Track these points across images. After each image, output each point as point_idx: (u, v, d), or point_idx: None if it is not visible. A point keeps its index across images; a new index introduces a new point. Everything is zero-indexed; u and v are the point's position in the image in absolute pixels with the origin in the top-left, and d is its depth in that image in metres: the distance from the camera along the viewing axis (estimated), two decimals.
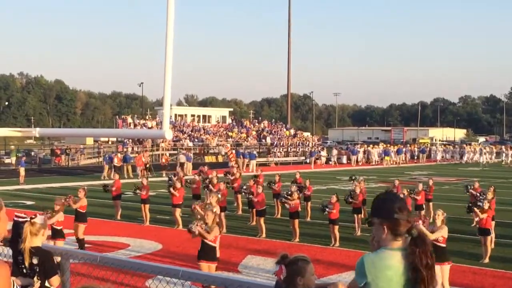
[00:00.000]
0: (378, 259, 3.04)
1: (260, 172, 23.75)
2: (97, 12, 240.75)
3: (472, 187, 18.14)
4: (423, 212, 17.17)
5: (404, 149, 53.79)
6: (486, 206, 13.14)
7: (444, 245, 9.95)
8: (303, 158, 47.10)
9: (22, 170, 32.52)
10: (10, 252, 5.03)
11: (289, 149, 58.24)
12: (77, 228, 14.07)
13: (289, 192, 16.29)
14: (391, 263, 3.01)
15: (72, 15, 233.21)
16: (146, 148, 41.29)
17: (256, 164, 42.90)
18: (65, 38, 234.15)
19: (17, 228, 4.77)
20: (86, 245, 13.88)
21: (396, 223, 3.05)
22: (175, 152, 46.23)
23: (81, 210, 14.25)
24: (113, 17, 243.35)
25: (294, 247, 14.16)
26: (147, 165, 37.71)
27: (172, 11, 4.27)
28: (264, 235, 15.97)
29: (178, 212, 17.61)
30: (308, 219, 18.73)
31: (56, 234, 12.12)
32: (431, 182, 19.73)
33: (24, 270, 4.60)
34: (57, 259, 4.86)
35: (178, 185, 18.06)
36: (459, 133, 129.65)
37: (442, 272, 9.66)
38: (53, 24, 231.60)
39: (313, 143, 62.49)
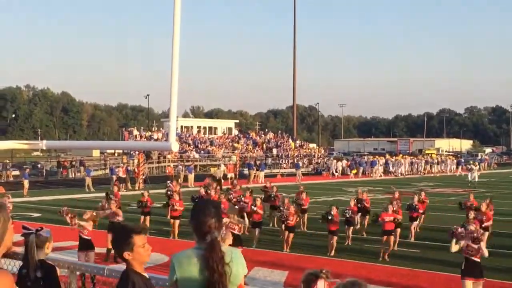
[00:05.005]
0: (184, 257, 3.35)
1: (268, 183, 23.78)
2: (103, 25, 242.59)
3: (465, 204, 17.87)
4: (415, 223, 17.49)
5: (411, 160, 53.57)
6: (471, 216, 13.48)
7: (478, 260, 9.63)
8: (309, 169, 47.01)
9: (26, 183, 32.61)
10: (13, 264, 5.01)
11: (295, 160, 58.21)
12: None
13: (286, 210, 16.29)
14: (193, 262, 3.29)
15: (78, 28, 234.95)
16: (140, 160, 41.56)
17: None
18: (71, 50, 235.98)
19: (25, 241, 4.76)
20: None
21: (199, 226, 3.35)
22: (188, 163, 46.28)
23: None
24: (119, 29, 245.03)
25: (301, 259, 14.11)
26: (144, 176, 38.97)
27: (178, 24, 4.29)
28: (255, 244, 16.09)
29: (177, 224, 17.57)
30: (304, 229, 18.78)
31: (88, 245, 12.10)
32: (423, 195, 19.59)
33: (29, 283, 4.57)
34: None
35: (177, 197, 18.13)
36: (465, 144, 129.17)
37: None
38: (59, 37, 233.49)
39: (315, 153, 62.39)
